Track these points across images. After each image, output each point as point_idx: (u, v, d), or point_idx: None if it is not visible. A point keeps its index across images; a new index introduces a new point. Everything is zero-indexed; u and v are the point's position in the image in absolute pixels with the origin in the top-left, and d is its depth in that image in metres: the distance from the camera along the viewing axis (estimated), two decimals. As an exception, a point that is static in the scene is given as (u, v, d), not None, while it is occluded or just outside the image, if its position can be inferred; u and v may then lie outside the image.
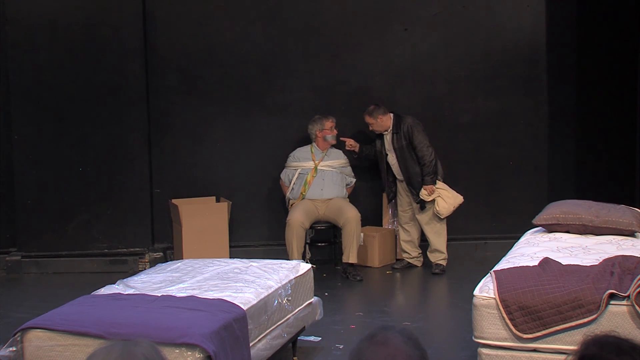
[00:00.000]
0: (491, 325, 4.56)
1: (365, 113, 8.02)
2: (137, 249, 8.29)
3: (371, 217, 8.52)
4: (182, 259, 7.19)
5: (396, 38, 8.60)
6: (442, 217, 7.96)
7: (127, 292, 4.86)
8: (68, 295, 5.51)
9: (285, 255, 7.52)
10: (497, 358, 4.58)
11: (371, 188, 8.61)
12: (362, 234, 8.00)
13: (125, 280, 5.22)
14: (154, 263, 7.78)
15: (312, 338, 5.94)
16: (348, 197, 8.22)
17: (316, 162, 8.11)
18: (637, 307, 4.35)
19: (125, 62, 8.22)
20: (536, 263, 5.02)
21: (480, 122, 8.67)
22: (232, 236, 8.34)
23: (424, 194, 7.89)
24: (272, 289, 5.03)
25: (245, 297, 4.75)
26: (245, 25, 8.52)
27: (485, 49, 8.62)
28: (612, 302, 4.44)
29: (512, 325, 4.50)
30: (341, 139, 8.27)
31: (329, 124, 8.13)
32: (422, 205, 7.96)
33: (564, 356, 4.40)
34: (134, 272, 6.89)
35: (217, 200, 8.50)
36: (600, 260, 5.01)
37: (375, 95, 8.39)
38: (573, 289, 4.50)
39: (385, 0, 8.59)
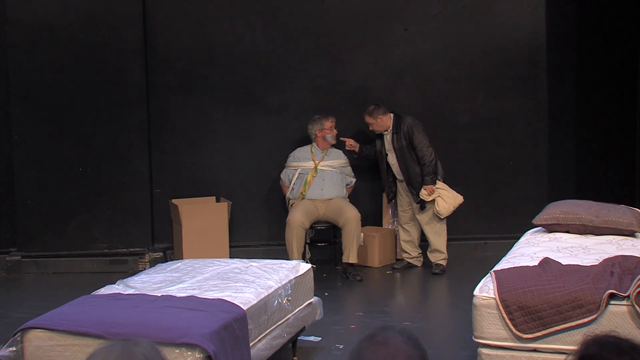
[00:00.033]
0: (491, 325, 4.56)
1: (365, 113, 8.02)
2: (137, 249, 8.29)
3: (371, 217, 8.52)
4: (182, 259, 7.20)
5: (396, 38, 8.60)
6: (442, 217, 7.96)
7: (127, 292, 4.86)
8: (68, 295, 5.51)
9: (285, 255, 7.52)
10: (497, 358, 4.58)
11: (371, 188, 8.61)
12: (362, 234, 8.00)
13: (125, 280, 5.22)
14: (154, 263, 7.78)
15: (312, 338, 5.94)
16: (348, 197, 8.22)
17: (316, 162, 8.11)
18: (637, 307, 4.35)
19: (125, 62, 8.22)
20: (536, 263, 5.02)
21: (480, 122, 8.67)
22: (232, 236, 8.34)
23: (424, 194, 7.89)
24: (272, 289, 5.03)
25: (245, 297, 4.75)
26: (245, 25, 8.52)
27: (485, 49, 8.62)
28: (612, 302, 4.44)
29: (512, 325, 4.50)
30: (341, 139, 8.27)
31: (329, 124, 8.13)
32: (422, 205, 7.96)
33: (564, 356, 4.40)
34: (134, 272, 6.89)
35: (217, 200, 8.50)
36: (600, 260, 5.01)
37: (375, 95, 8.39)
38: (573, 289, 4.50)
39: (385, 0, 8.59)
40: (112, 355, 2.05)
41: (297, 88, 8.59)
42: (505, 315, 4.51)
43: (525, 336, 4.49)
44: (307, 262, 5.90)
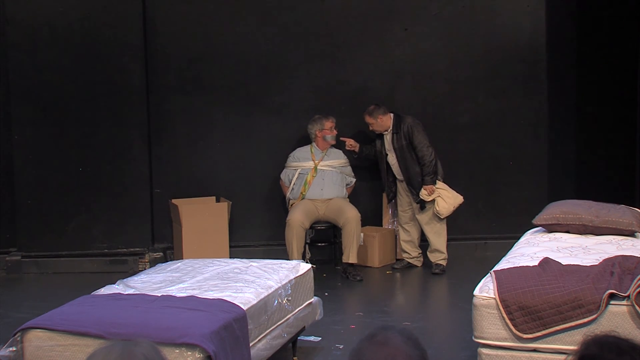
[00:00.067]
0: (491, 325, 4.56)
1: (365, 113, 8.02)
2: (137, 249, 8.29)
3: (371, 217, 8.51)
4: (182, 259, 7.20)
5: (396, 38, 8.60)
6: (442, 217, 7.96)
7: (127, 292, 4.87)
8: (68, 295, 5.51)
9: (285, 255, 7.52)
10: (497, 358, 4.58)
11: (371, 188, 8.61)
12: (362, 234, 8.00)
13: (125, 280, 5.22)
14: (154, 263, 7.78)
15: (312, 338, 5.94)
16: (348, 197, 8.22)
17: (316, 162, 8.11)
18: (637, 307, 4.35)
19: (126, 62, 8.22)
20: (536, 263, 5.02)
21: (480, 122, 8.67)
22: (232, 236, 8.34)
23: (424, 194, 7.89)
24: (272, 289, 5.03)
25: (245, 297, 4.75)
26: (245, 25, 8.51)
27: (485, 49, 8.62)
28: (612, 302, 4.45)
29: (512, 325, 4.50)
30: (341, 139, 8.27)
31: (329, 124, 8.13)
32: (422, 205, 7.96)
33: (564, 356, 4.40)
34: (134, 272, 6.89)
35: (217, 200, 8.50)
36: (600, 260, 5.01)
37: (375, 95, 8.39)
38: (573, 289, 4.50)
39: (385, 0, 8.59)
40: (112, 355, 2.05)
41: (297, 88, 8.59)
42: (505, 315, 4.51)
43: (525, 336, 4.49)
44: (307, 262, 5.90)
